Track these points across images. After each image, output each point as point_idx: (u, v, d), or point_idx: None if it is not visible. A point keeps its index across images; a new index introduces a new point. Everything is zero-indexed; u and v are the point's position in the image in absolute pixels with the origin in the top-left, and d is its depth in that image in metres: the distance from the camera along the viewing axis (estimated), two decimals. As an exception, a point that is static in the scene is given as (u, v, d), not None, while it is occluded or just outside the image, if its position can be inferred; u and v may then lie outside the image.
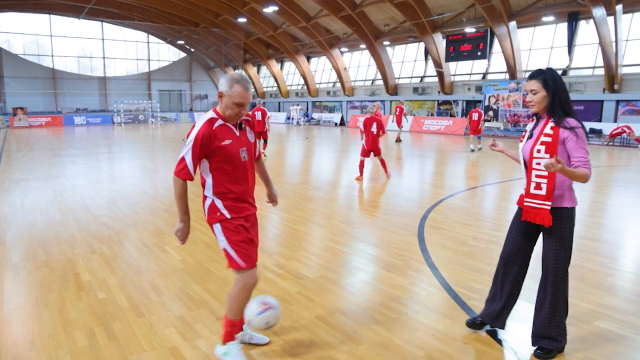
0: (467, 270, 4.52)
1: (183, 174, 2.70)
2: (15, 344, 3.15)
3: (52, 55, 43.44)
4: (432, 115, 28.63)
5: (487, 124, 24.55)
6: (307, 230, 6.07)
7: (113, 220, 6.52)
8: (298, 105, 37.73)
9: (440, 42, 25.99)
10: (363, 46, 30.81)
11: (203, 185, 2.83)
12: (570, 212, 2.87)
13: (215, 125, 2.73)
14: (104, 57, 46.04)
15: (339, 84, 35.62)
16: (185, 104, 51.14)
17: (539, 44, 23.82)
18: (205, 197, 2.83)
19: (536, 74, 2.86)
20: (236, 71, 2.93)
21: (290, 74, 42.75)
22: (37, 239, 5.66)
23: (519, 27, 22.88)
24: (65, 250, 5.21)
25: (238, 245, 2.77)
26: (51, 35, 43.13)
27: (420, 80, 30.07)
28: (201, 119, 2.77)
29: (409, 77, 30.99)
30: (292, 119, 36.44)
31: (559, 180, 2.81)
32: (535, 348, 3.02)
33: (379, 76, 31.59)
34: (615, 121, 20.00)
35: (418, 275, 4.43)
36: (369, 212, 7.10)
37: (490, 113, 24.59)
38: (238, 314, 2.84)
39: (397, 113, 21.24)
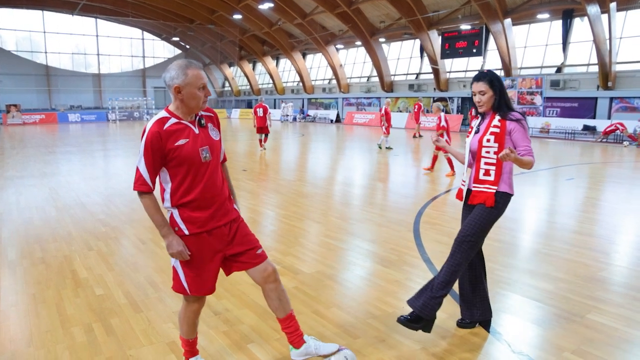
0: (462, 265, 4.55)
1: (138, 185, 2.40)
2: (13, 340, 3.17)
3: (46, 52, 43.22)
4: (427, 112, 28.68)
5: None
6: (303, 226, 6.10)
7: (109, 217, 6.53)
8: (290, 103, 37.70)
9: (435, 39, 26.05)
10: (359, 43, 30.82)
11: (162, 196, 2.52)
12: (507, 198, 3.07)
13: (167, 124, 2.42)
14: (98, 54, 45.85)
15: (334, 81, 35.62)
16: (180, 100, 50.88)
17: (534, 41, 23.91)
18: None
19: (482, 76, 3.08)
20: (179, 60, 2.64)
21: (285, 70, 42.70)
22: (33, 236, 5.66)
23: (514, 24, 22.95)
24: (62, 247, 5.22)
25: (188, 267, 2.52)
26: (44, 32, 42.89)
27: (416, 77, 30.12)
28: (150, 121, 2.45)
29: (404, 74, 31.03)
30: (286, 115, 36.44)
31: (505, 170, 3.05)
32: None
33: (375, 73, 31.63)
34: (609, 118, 20.13)
35: (414, 270, 4.47)
36: (365, 208, 7.14)
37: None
38: (190, 332, 2.71)
39: (416, 110, 21.88)
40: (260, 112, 15.10)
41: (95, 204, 7.40)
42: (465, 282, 3.26)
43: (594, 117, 20.74)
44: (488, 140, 3.05)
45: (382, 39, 29.84)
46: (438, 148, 3.49)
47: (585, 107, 21.12)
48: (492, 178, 3.05)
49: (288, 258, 4.83)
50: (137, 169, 2.41)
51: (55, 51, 43.63)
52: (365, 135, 21.97)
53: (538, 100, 22.31)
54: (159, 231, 2.47)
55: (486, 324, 3.32)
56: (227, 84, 52.55)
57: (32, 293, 3.95)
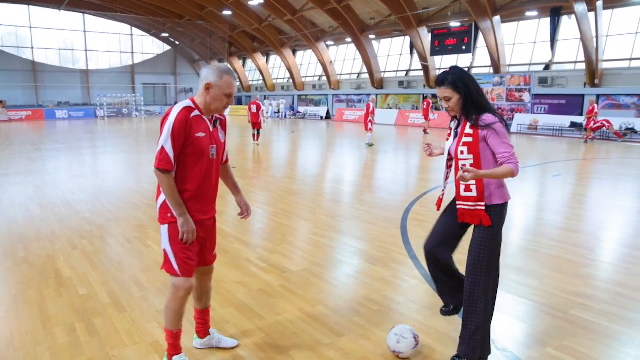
0: (448, 262, 4.57)
1: (164, 164, 2.52)
2: (-7, 341, 3.12)
3: (32, 48, 42.59)
4: (417, 108, 28.75)
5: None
6: (291, 224, 6.09)
7: (95, 215, 6.45)
8: (276, 100, 37.57)
9: (425, 36, 26.08)
10: (349, 40, 30.77)
11: None
12: (501, 208, 2.75)
13: (192, 114, 2.60)
14: (86, 50, 45.30)
15: (324, 78, 35.55)
16: (170, 97, 50.61)
17: (523, 39, 24.04)
18: (159, 193, 2.66)
19: (444, 80, 2.73)
20: (222, 64, 2.75)
21: (276, 67, 42.54)
22: (16, 235, 5.58)
23: (503, 22, 23.04)
24: (46, 246, 5.15)
25: (181, 252, 2.63)
26: (30, 27, 42.26)
27: (406, 74, 30.16)
28: (177, 106, 2.61)
29: (394, 71, 31.05)
30: (267, 113, 36.22)
31: (485, 181, 2.70)
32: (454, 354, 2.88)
33: (365, 70, 31.60)
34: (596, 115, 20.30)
35: (400, 268, 4.48)
36: (354, 205, 7.13)
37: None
38: (176, 322, 2.71)
39: (425, 107, 22.12)
40: (254, 108, 16.21)
41: (81, 202, 7.31)
42: (438, 272, 3.01)
43: (581, 114, 20.91)
44: (462, 152, 2.73)
45: (372, 36, 29.82)
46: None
47: (572, 104, 21.29)
48: (474, 194, 2.72)
49: (275, 256, 4.81)
50: (163, 148, 2.53)
51: (42, 47, 43.00)
52: (355, 132, 21.96)
53: (526, 97, 22.44)
54: (174, 210, 2.58)
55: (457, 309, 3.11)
56: (216, 81, 52.23)
57: (13, 294, 3.89)
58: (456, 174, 2.76)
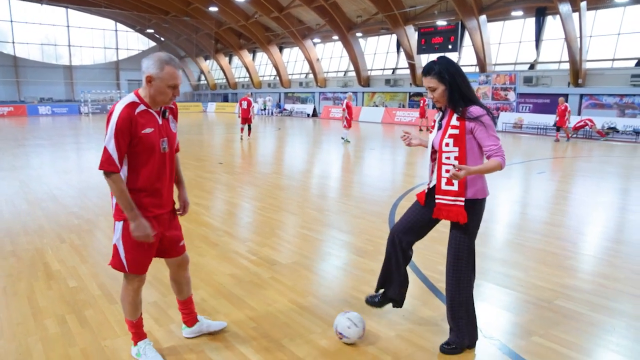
0: (435, 255, 4.65)
1: (107, 165, 2.41)
2: (-17, 332, 3.10)
3: (13, 42, 41.89)
4: (403, 106, 28.93)
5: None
6: (279, 218, 6.12)
7: (83, 210, 6.41)
8: (262, 97, 37.52)
9: (412, 35, 26.25)
10: (336, 37, 30.83)
11: None
12: (481, 203, 2.76)
13: (137, 110, 2.47)
14: (69, 45, 44.68)
15: (311, 75, 35.57)
16: (155, 94, 50.08)
17: (508, 38, 24.34)
18: None
19: (430, 70, 2.70)
20: (163, 52, 2.66)
21: (262, 64, 42.42)
22: (2, 229, 5.52)
23: (489, 21, 23.30)
24: (34, 240, 5.11)
25: (132, 248, 2.59)
26: (11, 21, 41.54)
27: (392, 72, 30.32)
28: (120, 102, 2.48)
29: (381, 69, 31.20)
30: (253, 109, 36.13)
31: (470, 177, 2.69)
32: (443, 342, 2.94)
33: (352, 68, 31.70)
34: (579, 114, 20.67)
35: (389, 260, 4.53)
36: (341, 200, 7.19)
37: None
38: (133, 313, 2.74)
39: (421, 105, 23.01)
40: (244, 104, 16.68)
41: (68, 196, 7.25)
42: (393, 259, 3.03)
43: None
44: (447, 145, 2.68)
45: (359, 34, 29.92)
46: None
47: (556, 104, 21.61)
48: (455, 188, 2.69)
49: (264, 249, 4.84)
50: (105, 149, 2.42)
51: (24, 41, 42.30)
52: (341, 130, 22.02)
53: (511, 96, 22.74)
54: (126, 213, 2.50)
55: (397, 302, 3.17)
56: (203, 78, 51.91)
57: (2, 286, 3.86)
58: (440, 166, 2.74)
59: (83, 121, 27.90)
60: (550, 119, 20.81)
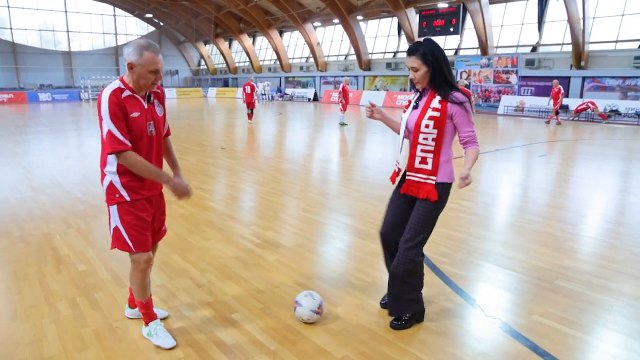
0: (438, 237, 4.72)
1: (117, 145, 2.48)
2: (-4, 315, 3.18)
3: (11, 28, 41.60)
4: (404, 90, 28.82)
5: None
6: (282, 202, 6.18)
7: (87, 196, 6.47)
8: (261, 82, 37.32)
9: (413, 17, 26.03)
10: (336, 21, 30.58)
11: (103, 162, 2.65)
12: (448, 188, 2.83)
13: (124, 95, 2.55)
14: (67, 31, 44.37)
15: (312, 59, 35.37)
16: (155, 79, 49.85)
17: (510, 20, 24.13)
18: (104, 175, 2.66)
19: (414, 50, 2.73)
20: (142, 39, 2.71)
21: (262, 48, 42.15)
22: (9, 215, 5.59)
23: (490, 3, 23.10)
24: (40, 225, 5.18)
25: (132, 228, 2.66)
26: (8, 7, 41.19)
27: (394, 56, 30.14)
28: (106, 89, 2.55)
29: (382, 53, 31.01)
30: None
31: (444, 159, 2.78)
32: (392, 318, 3.02)
33: (352, 51, 31.50)
34: (581, 97, 20.61)
35: (391, 243, 4.60)
36: (343, 184, 7.24)
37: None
38: (143, 294, 2.81)
39: None
40: (248, 89, 17.20)
41: (72, 183, 7.31)
42: (391, 259, 3.10)
43: (566, 96, 21.19)
44: (427, 126, 2.73)
45: (359, 17, 29.66)
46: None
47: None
48: (429, 167, 2.77)
49: (269, 232, 4.91)
50: (109, 132, 2.48)
51: (22, 27, 42.00)
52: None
53: (513, 79, 22.64)
54: (158, 179, 2.65)
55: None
56: (203, 63, 51.63)
57: (12, 270, 3.94)
58: (414, 145, 2.81)
59: (83, 107, 27.86)
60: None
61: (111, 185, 2.64)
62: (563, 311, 3.23)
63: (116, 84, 2.58)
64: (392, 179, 3.05)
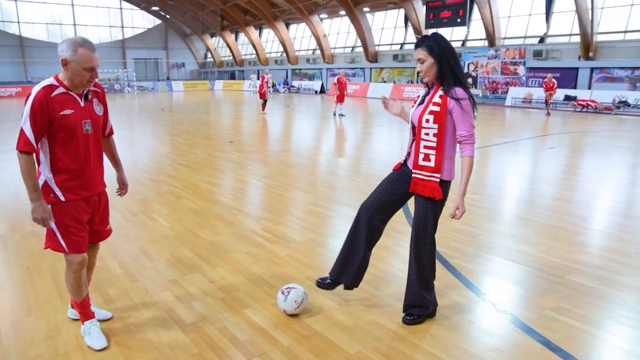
0: (448, 231, 4.72)
1: (22, 145, 2.45)
2: (12, 311, 3.23)
3: (19, 22, 41.72)
4: (412, 82, 28.67)
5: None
6: (292, 196, 6.19)
7: (97, 190, 6.51)
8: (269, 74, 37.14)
9: (420, 9, 25.84)
10: (343, 13, 30.41)
11: (37, 161, 2.60)
12: (448, 185, 2.85)
13: (55, 92, 2.51)
14: (74, 24, 44.43)
15: (318, 52, 35.24)
16: (162, 72, 49.99)
17: (518, 11, 23.89)
18: (39, 174, 2.60)
19: (421, 42, 2.73)
20: (78, 36, 2.63)
21: (269, 41, 42.04)
22: (21, 210, 5.64)
23: (498, -7, 22.86)
24: (52, 220, 5.22)
25: (66, 229, 2.63)
26: (16, 0, 41.26)
27: (400, 48, 29.96)
28: (37, 86, 2.52)
29: (389, 44, 30.82)
30: (254, 87, 35.69)
31: (447, 156, 2.77)
32: (404, 314, 3.04)
33: (359, 43, 31.34)
34: (589, 88, 20.41)
35: (402, 237, 4.61)
36: (352, 177, 7.24)
37: (469, 80, 24.75)
38: (78, 294, 2.79)
39: None
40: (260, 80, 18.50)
41: (82, 177, 7.35)
42: (358, 237, 3.08)
43: (575, 87, 21.00)
44: (427, 121, 2.72)
45: (366, 9, 29.47)
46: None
47: (566, 78, 21.35)
48: (432, 164, 2.76)
49: (279, 227, 4.93)
50: (22, 130, 2.47)
51: (29, 21, 42.11)
52: (349, 106, 21.94)
53: (521, 70, 22.46)
54: (29, 194, 2.52)
55: (349, 287, 3.22)
56: (209, 55, 51.58)
57: (26, 265, 3.99)
58: (418, 141, 2.80)
59: (91, 101, 27.94)
60: (559, 94, 20.55)
61: (45, 185, 2.60)
62: (575, 306, 3.23)
63: (49, 80, 2.56)
64: (394, 169, 3.09)
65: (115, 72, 39.48)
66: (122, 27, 47.13)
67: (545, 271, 3.80)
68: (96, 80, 2.66)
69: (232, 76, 46.85)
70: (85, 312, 2.86)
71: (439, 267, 3.86)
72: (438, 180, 2.76)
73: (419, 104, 2.85)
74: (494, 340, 2.84)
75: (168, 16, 47.31)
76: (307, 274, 3.77)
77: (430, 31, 21.14)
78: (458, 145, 2.80)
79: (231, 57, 46.73)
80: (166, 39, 49.55)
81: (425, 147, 2.76)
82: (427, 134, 2.74)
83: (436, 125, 2.70)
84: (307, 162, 8.67)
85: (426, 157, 2.77)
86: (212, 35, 48.52)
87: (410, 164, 2.95)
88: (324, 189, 6.54)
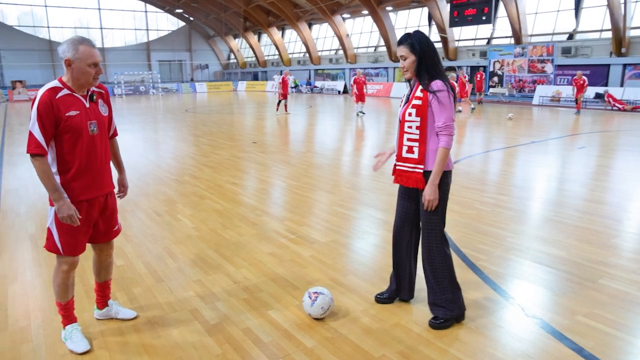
0: (474, 232, 4.62)
1: (33, 148, 2.48)
2: (42, 309, 3.29)
3: (48, 27, 42.87)
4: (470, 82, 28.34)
5: (491, 89, 24.35)
6: (315, 197, 6.17)
7: (124, 191, 6.61)
8: (292, 76, 37.26)
9: (444, 7, 25.51)
10: (365, 12, 30.27)
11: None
12: (445, 175, 2.83)
13: (59, 94, 2.54)
14: (101, 28, 45.43)
15: (341, 52, 35.17)
16: (186, 74, 50.67)
17: (545, 7, 23.36)
18: None
19: (403, 39, 2.80)
20: (75, 35, 2.68)
21: (291, 41, 42.17)
22: (44, 209, 5.75)
23: (524, -10, 22.39)
24: (80, 220, 5.32)
25: (65, 231, 2.65)
26: (46, 6, 42.47)
27: (424, 46, 29.63)
28: (42, 89, 2.56)
29: (412, 43, 30.53)
30: (275, 87, 35.82)
31: (431, 147, 2.79)
32: (431, 318, 2.99)
33: (382, 43, 31.14)
34: (621, 85, 19.81)
35: (426, 239, 4.53)
36: (375, 178, 7.17)
37: (495, 79, 24.33)
38: (64, 295, 2.78)
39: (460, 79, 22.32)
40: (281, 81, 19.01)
41: (109, 178, 7.47)
42: (401, 256, 3.16)
43: (606, 85, 20.41)
44: (410, 114, 2.80)
45: (389, 8, 29.26)
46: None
47: (597, 75, 20.77)
48: (415, 156, 2.83)
49: (303, 228, 4.91)
50: (31, 133, 2.50)
51: (58, 26, 43.24)
52: (372, 106, 21.81)
53: (549, 68, 21.95)
54: (50, 194, 2.57)
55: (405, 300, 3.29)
56: (232, 56, 52.05)
57: (52, 264, 4.03)
58: (401, 135, 2.90)
59: (117, 102, 28.53)
60: (590, 92, 20.01)
61: None
62: (609, 312, 3.11)
63: (53, 83, 2.58)
64: (393, 173, 3.10)
65: (141, 74, 40.17)
66: (147, 29, 47.95)
67: (577, 275, 3.68)
68: (100, 81, 2.69)
69: (255, 77, 47.15)
70: (68, 315, 2.85)
71: (465, 269, 3.78)
72: (422, 171, 2.82)
73: (405, 103, 2.91)
74: (523, 345, 2.75)
75: (191, 18, 47.93)
76: (330, 275, 3.74)
77: (455, 30, 20.97)
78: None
79: (254, 58, 47.06)
80: (190, 41, 50.21)
81: (409, 139, 2.85)
82: (410, 127, 2.82)
83: (418, 119, 2.78)
84: (331, 162, 8.64)
85: (410, 150, 2.85)
86: (235, 37, 48.96)
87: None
88: (347, 190, 6.49)
